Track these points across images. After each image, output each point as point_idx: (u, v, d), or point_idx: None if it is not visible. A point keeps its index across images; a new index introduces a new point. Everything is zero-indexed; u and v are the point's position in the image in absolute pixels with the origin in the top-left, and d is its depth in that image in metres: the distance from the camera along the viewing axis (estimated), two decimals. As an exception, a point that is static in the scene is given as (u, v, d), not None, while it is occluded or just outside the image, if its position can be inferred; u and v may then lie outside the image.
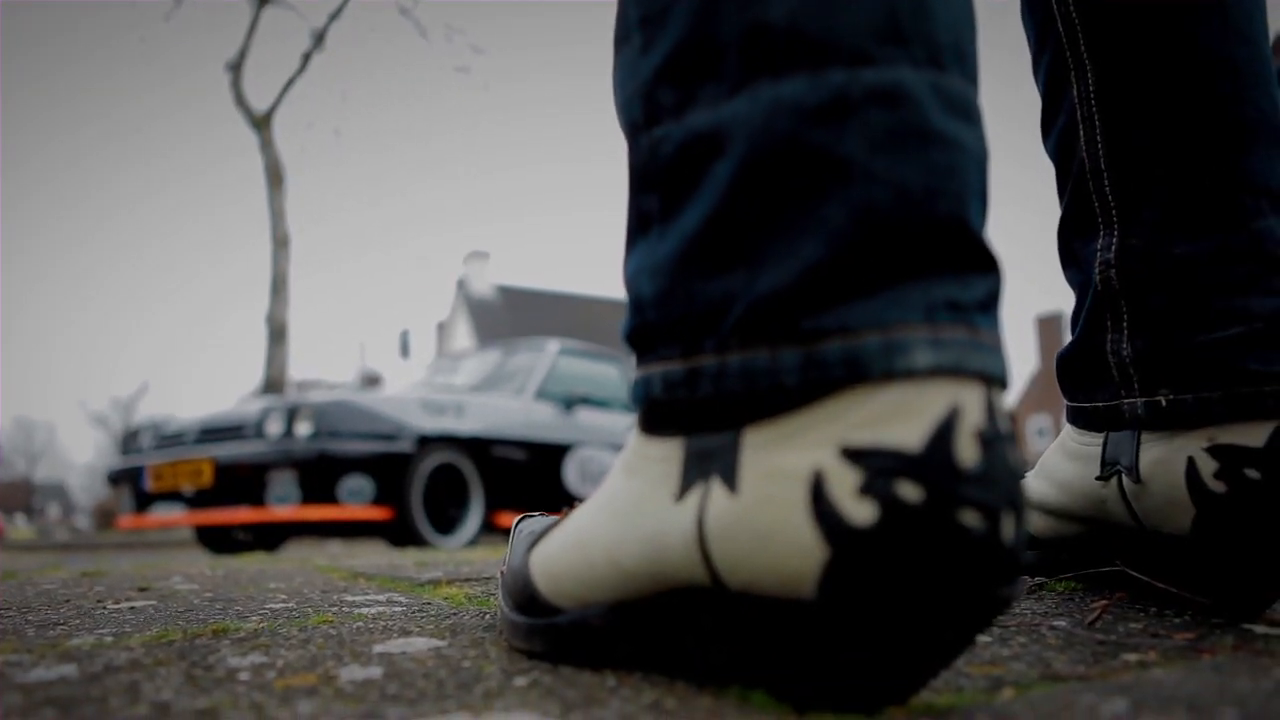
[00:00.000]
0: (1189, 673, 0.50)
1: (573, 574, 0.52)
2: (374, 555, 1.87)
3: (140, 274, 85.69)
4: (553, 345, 5.61)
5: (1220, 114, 0.67)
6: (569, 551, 0.53)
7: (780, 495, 0.40)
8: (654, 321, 0.46)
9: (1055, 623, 0.64)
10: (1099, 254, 0.71)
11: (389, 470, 4.29)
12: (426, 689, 0.48)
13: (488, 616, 0.73)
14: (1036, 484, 0.80)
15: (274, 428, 4.27)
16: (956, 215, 0.41)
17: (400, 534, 4.34)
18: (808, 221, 0.40)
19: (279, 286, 9.60)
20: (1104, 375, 0.71)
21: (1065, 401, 0.77)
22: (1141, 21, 0.68)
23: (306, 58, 10.21)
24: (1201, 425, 0.64)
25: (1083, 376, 0.74)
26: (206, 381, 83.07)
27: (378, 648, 0.60)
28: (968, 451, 0.38)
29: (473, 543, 4.54)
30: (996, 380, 0.41)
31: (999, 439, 0.39)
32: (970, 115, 0.43)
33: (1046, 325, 32.53)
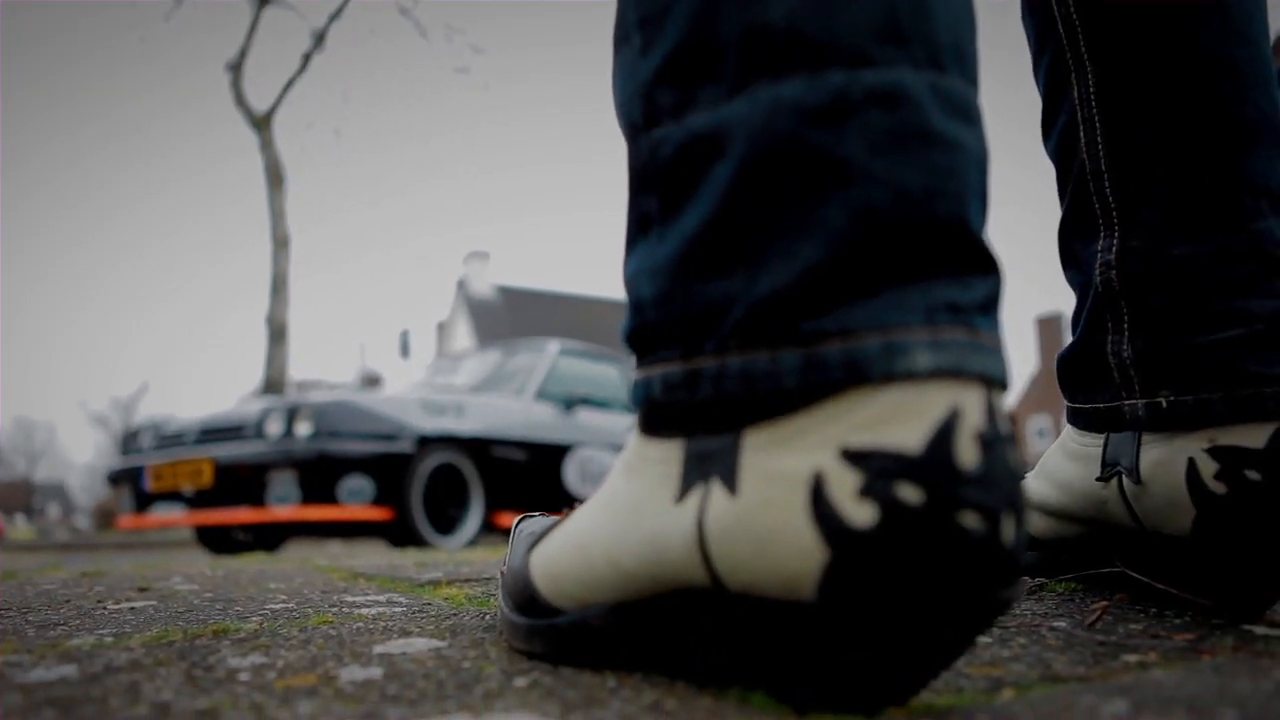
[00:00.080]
0: (1189, 674, 0.50)
1: (573, 575, 0.52)
2: (374, 555, 1.87)
3: (140, 274, 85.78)
4: (553, 345, 5.61)
5: (1220, 115, 0.67)
6: (569, 552, 0.53)
7: (780, 497, 0.40)
8: (654, 323, 0.46)
9: (1055, 624, 0.64)
10: (1099, 255, 0.71)
11: (389, 470, 4.29)
12: (426, 689, 0.48)
13: (488, 617, 0.73)
14: (1037, 485, 0.80)
15: (274, 428, 4.27)
16: (956, 216, 0.41)
17: (400, 534, 4.33)
18: (807, 223, 0.40)
19: (279, 286, 9.60)
20: (1104, 376, 0.71)
21: (1065, 402, 0.77)
22: (1142, 22, 0.68)
23: (306, 58, 10.21)
24: (1202, 426, 0.64)
25: (1083, 377, 0.74)
26: (206, 381, 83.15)
27: (378, 648, 0.60)
28: (968, 453, 0.38)
29: (473, 543, 4.54)
30: (997, 382, 0.41)
31: (999, 440, 0.39)
32: (970, 116, 0.43)
33: (1046, 326, 32.53)
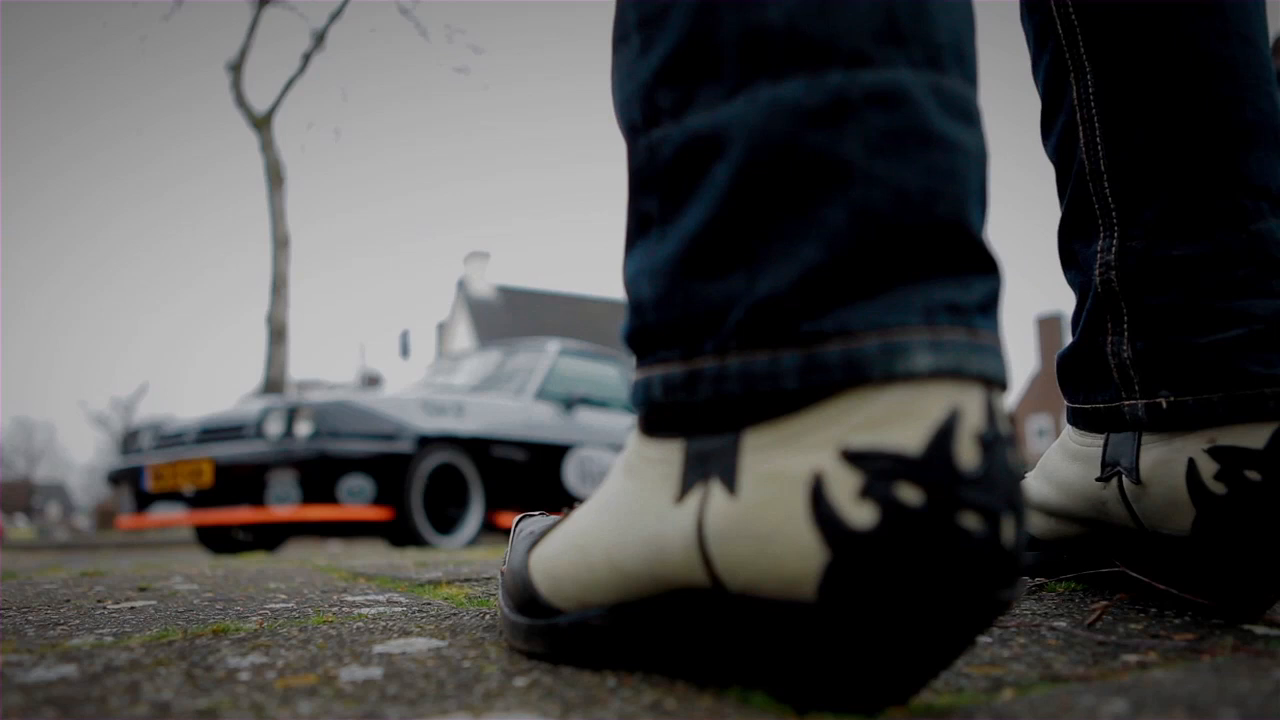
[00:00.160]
0: (1189, 674, 0.50)
1: (572, 575, 0.52)
2: (374, 555, 1.87)
3: (140, 274, 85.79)
4: (553, 345, 5.61)
5: (1220, 115, 0.67)
6: (569, 553, 0.53)
7: (780, 498, 0.40)
8: (653, 323, 0.46)
9: (1055, 623, 0.64)
10: (1099, 255, 0.71)
11: (389, 470, 4.30)
12: (426, 689, 0.48)
13: (488, 617, 0.73)
14: (1037, 485, 0.80)
15: (274, 428, 4.27)
16: (956, 217, 0.41)
17: (400, 534, 4.34)
18: (807, 224, 0.40)
19: (279, 287, 9.60)
20: (1104, 377, 0.71)
21: (1065, 402, 0.77)
22: (1140, 23, 0.68)
23: (306, 58, 10.21)
24: (1202, 427, 0.64)
25: (1083, 378, 0.74)
26: (206, 381, 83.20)
27: (378, 648, 0.60)
28: (968, 454, 0.38)
29: (473, 543, 4.55)
30: (996, 382, 0.41)
31: (999, 441, 0.39)
32: (970, 116, 0.43)
33: (1046, 325, 32.55)
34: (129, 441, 4.98)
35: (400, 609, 0.80)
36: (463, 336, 29.15)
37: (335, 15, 10.32)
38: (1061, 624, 0.64)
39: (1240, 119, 0.67)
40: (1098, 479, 0.72)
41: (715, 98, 0.43)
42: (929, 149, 0.40)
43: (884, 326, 0.39)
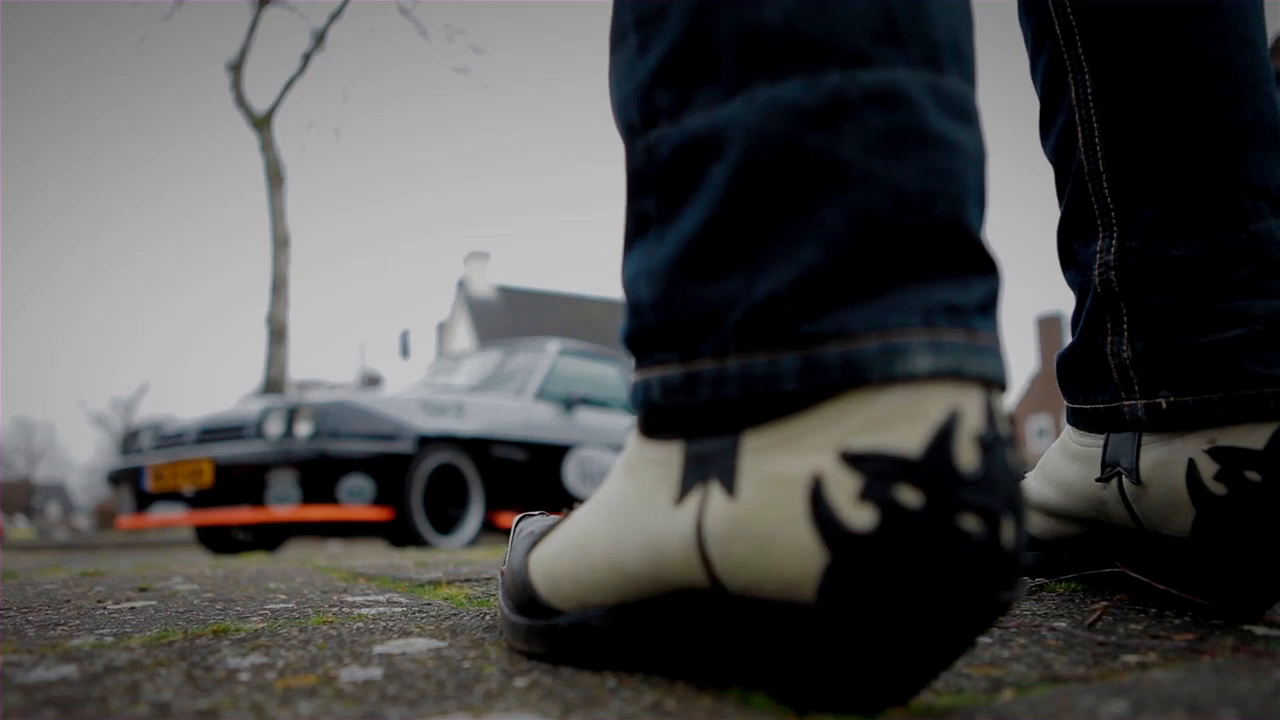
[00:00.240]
0: (1189, 674, 0.50)
1: (572, 576, 0.52)
2: (374, 555, 1.87)
3: (140, 274, 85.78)
4: (553, 345, 5.61)
5: (1218, 116, 0.67)
6: (568, 554, 0.53)
7: (779, 500, 0.40)
8: (652, 325, 0.46)
9: (1055, 624, 0.64)
10: (1098, 256, 0.71)
11: (389, 470, 4.30)
12: (427, 690, 0.48)
13: (488, 617, 0.73)
14: (1037, 485, 0.80)
15: (274, 428, 4.27)
16: (954, 217, 0.41)
17: (400, 534, 4.34)
18: (805, 225, 0.40)
19: (279, 286, 9.60)
20: (1104, 377, 0.71)
21: (1065, 403, 0.77)
22: (1138, 23, 0.68)
23: (306, 58, 10.21)
24: (1202, 427, 0.64)
25: (1083, 378, 0.74)
26: (206, 381, 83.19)
27: (378, 648, 0.60)
28: (968, 456, 0.38)
29: (473, 543, 4.55)
30: (996, 383, 0.41)
31: (999, 442, 0.39)
32: (968, 116, 0.43)
33: (1046, 326, 32.55)
34: (129, 441, 4.98)
35: (400, 609, 0.80)
36: (463, 336, 29.15)
37: (335, 15, 10.32)
38: (1061, 624, 0.64)
39: (1238, 119, 0.67)
40: (1098, 479, 0.72)
41: (713, 98, 0.43)
42: (927, 149, 0.40)
43: (883, 328, 0.39)
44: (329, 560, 1.63)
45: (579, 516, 0.54)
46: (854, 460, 0.39)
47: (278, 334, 9.47)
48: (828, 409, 0.40)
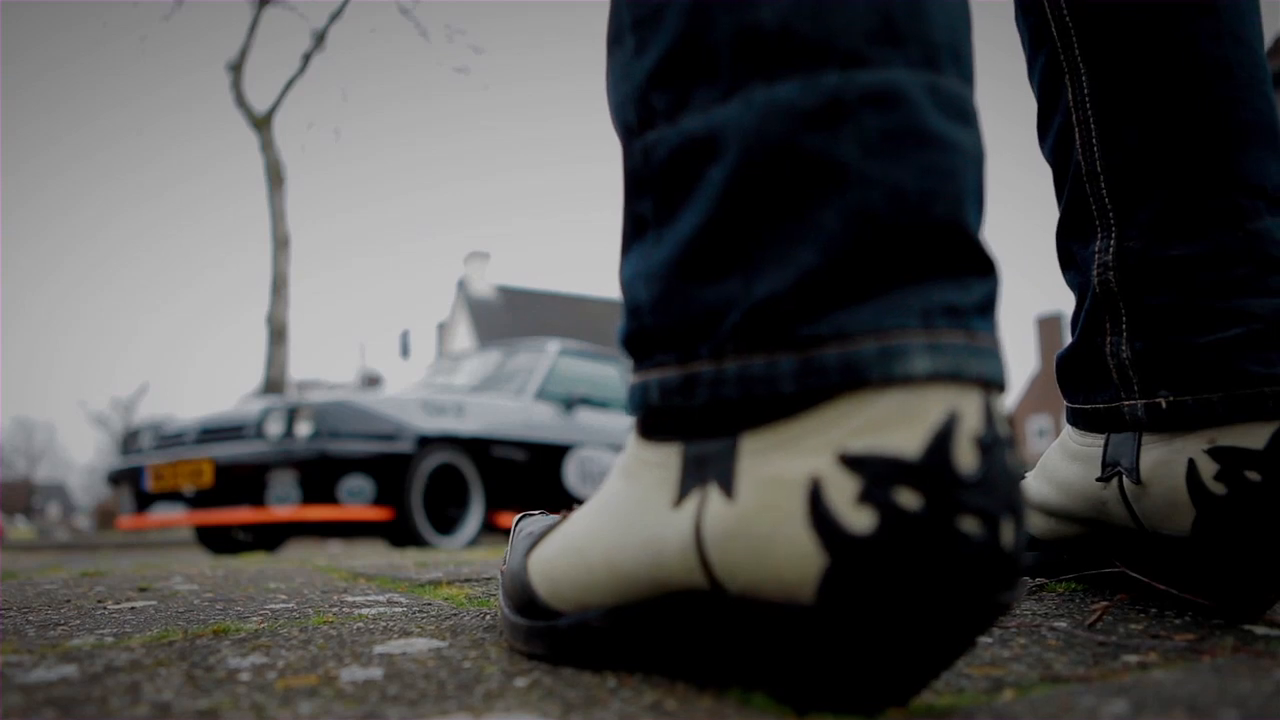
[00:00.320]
0: (1189, 674, 0.50)
1: (571, 578, 0.52)
2: (374, 555, 1.87)
3: (140, 274, 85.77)
4: (553, 345, 5.61)
5: (1216, 116, 0.67)
6: (567, 555, 0.53)
7: (778, 502, 0.40)
8: (650, 327, 0.46)
9: (1056, 624, 0.64)
10: (1097, 256, 0.71)
11: (389, 470, 4.30)
12: (427, 690, 0.48)
13: (488, 617, 0.73)
14: (1037, 485, 0.80)
15: (274, 428, 4.27)
16: (953, 218, 0.41)
17: (400, 534, 4.34)
18: (803, 226, 0.40)
19: (279, 287, 9.60)
20: (1103, 377, 0.71)
21: (1065, 403, 0.77)
22: (1135, 24, 0.68)
23: (306, 58, 10.20)
24: (1202, 427, 0.64)
25: (1082, 378, 0.74)
26: (206, 381, 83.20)
27: (378, 648, 0.60)
28: (967, 458, 0.38)
29: (473, 543, 4.55)
30: (995, 384, 0.41)
31: (998, 444, 0.39)
32: (966, 116, 0.43)
33: (1046, 326, 32.56)
34: (129, 441, 4.98)
35: (400, 609, 0.80)
36: (463, 336, 29.15)
37: (335, 15, 10.31)
38: (1062, 624, 0.64)
39: (1236, 119, 0.67)
40: (1098, 479, 0.72)
41: (710, 99, 0.43)
42: (925, 149, 0.40)
43: (881, 329, 0.39)
44: (329, 560, 1.63)
45: (578, 518, 0.54)
46: (853, 462, 0.38)
47: (278, 334, 9.47)
48: (826, 411, 0.40)
